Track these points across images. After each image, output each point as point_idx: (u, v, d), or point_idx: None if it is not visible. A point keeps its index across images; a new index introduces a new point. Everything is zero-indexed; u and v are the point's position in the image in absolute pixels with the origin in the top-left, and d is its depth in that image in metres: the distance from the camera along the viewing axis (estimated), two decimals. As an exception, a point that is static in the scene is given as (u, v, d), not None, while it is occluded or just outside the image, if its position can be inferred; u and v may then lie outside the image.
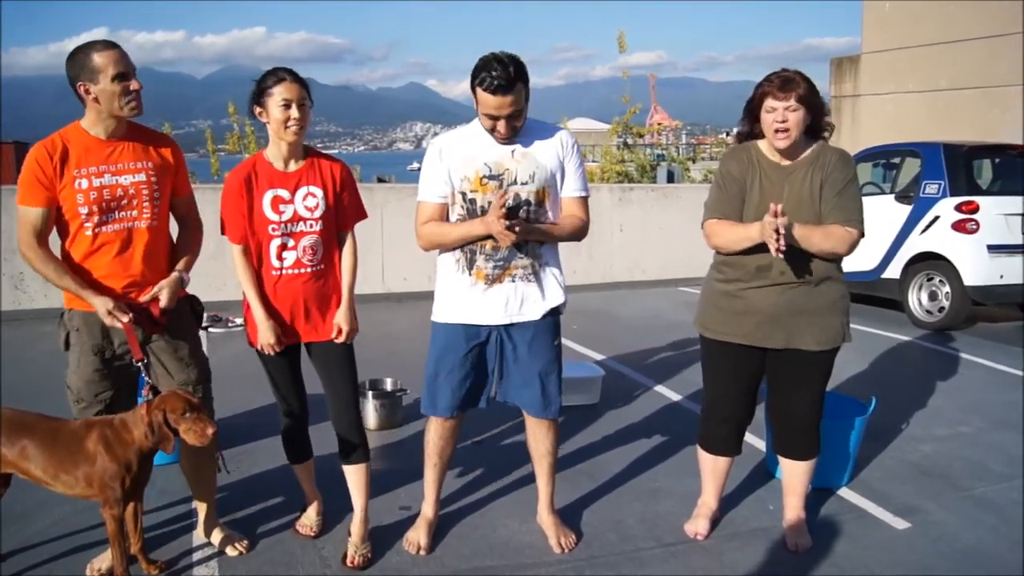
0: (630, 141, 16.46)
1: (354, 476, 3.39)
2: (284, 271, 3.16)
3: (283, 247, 3.14)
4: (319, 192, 3.16)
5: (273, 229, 3.12)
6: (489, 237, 3.05)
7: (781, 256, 2.95)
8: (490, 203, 3.04)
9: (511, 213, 3.00)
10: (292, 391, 3.34)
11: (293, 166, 3.17)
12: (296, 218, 3.13)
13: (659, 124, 30.04)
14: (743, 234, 3.12)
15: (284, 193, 3.12)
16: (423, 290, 8.47)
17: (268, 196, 3.12)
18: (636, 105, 15.84)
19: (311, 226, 3.15)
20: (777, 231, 2.89)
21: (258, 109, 3.09)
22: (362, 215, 3.35)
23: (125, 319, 2.90)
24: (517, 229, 2.95)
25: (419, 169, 3.25)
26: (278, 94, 3.04)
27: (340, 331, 3.22)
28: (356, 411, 3.38)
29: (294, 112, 3.04)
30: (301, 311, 3.19)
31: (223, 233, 3.22)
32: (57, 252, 2.99)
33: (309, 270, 3.18)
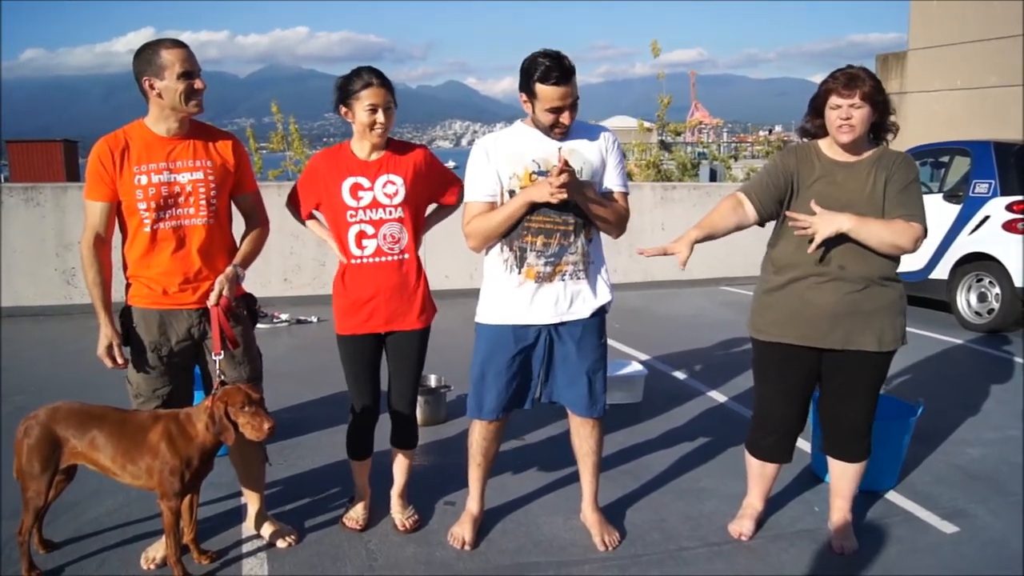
0: (668, 139, 16.25)
1: (400, 457, 3.55)
2: (365, 259, 3.24)
3: (362, 235, 3.22)
4: (399, 180, 3.23)
5: (351, 216, 3.20)
6: (531, 212, 3.04)
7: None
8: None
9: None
10: (368, 385, 3.38)
11: (375, 156, 3.26)
12: (375, 204, 3.21)
13: (699, 122, 29.70)
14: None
15: (364, 181, 3.21)
16: (465, 287, 8.55)
17: (347, 183, 3.20)
18: (668, 96, 15.45)
19: (390, 213, 3.22)
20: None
21: (344, 109, 3.18)
22: (459, 183, 3.42)
23: (111, 365, 3.00)
24: (569, 181, 2.89)
25: (456, 167, 3.27)
26: (366, 98, 3.12)
27: None
28: (415, 403, 3.51)
29: (380, 117, 3.13)
30: (383, 300, 3.26)
31: (288, 203, 3.41)
32: (117, 253, 3.06)
33: (390, 259, 3.25)
